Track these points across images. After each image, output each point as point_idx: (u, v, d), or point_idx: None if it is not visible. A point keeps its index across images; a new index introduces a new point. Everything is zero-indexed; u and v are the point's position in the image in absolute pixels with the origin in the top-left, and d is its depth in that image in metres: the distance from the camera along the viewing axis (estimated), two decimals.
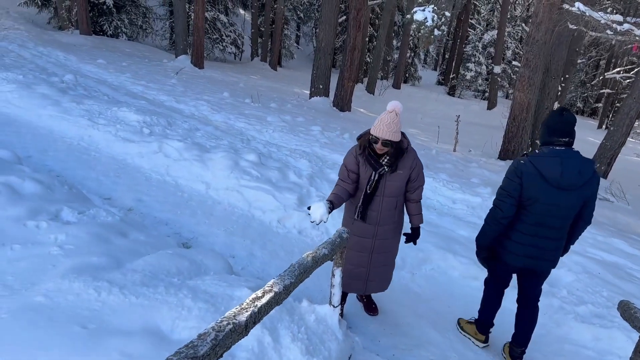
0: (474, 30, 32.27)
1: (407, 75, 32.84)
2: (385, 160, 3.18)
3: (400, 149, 3.20)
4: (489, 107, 25.30)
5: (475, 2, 33.09)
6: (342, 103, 14.10)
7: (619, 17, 5.76)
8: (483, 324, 3.59)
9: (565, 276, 4.46)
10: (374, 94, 22.02)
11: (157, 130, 6.90)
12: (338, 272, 3.04)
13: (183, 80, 13.82)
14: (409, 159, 3.28)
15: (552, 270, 4.63)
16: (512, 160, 4.49)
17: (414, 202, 3.46)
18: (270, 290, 1.76)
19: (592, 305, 3.88)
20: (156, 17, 23.25)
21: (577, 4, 5.34)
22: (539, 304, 3.36)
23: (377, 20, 27.26)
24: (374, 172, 3.20)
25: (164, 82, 12.66)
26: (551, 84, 10.39)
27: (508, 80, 31.41)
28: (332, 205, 3.11)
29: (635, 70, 22.36)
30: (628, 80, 23.59)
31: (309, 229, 4.94)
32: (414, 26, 8.56)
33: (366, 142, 3.20)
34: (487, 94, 28.04)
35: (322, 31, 13.17)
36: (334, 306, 3.08)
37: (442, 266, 4.56)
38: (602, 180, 10.02)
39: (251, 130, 8.79)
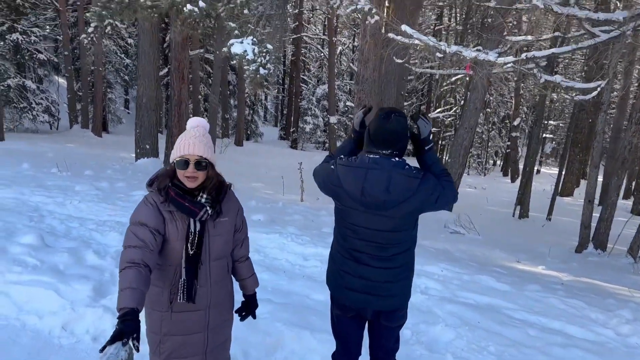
0: (307, 86, 33.41)
1: (248, 132, 32.49)
2: (204, 197, 2.08)
3: (220, 182, 2.20)
4: None
5: (304, 58, 34.56)
6: None
7: (443, 44, 5.57)
8: None
9: (444, 334, 3.65)
10: (214, 152, 20.89)
11: None
12: None
13: None
14: (233, 201, 2.25)
15: (428, 329, 3.82)
16: None
17: (243, 260, 2.37)
18: None
19: None
20: None
21: (403, 26, 4.96)
22: None
23: (209, 79, 26.58)
24: (193, 221, 2.04)
25: None
26: None
27: (344, 129, 32.83)
28: (138, 315, 1.80)
29: (455, 108, 24.85)
30: (450, 119, 26.10)
31: (109, 331, 3.47)
32: (234, 62, 7.71)
33: (168, 179, 2.08)
34: (327, 144, 28.78)
35: (141, 86, 11.77)
36: None
37: (297, 351, 3.43)
38: (448, 213, 10.05)
39: (50, 204, 6.94)
